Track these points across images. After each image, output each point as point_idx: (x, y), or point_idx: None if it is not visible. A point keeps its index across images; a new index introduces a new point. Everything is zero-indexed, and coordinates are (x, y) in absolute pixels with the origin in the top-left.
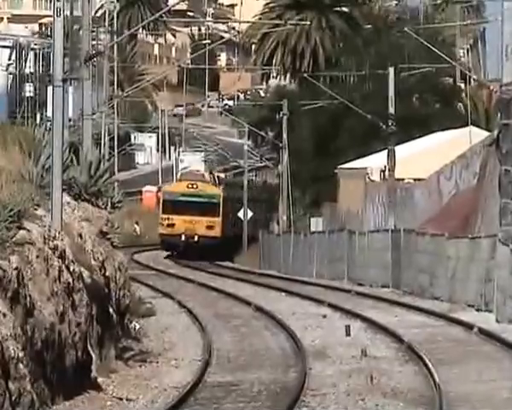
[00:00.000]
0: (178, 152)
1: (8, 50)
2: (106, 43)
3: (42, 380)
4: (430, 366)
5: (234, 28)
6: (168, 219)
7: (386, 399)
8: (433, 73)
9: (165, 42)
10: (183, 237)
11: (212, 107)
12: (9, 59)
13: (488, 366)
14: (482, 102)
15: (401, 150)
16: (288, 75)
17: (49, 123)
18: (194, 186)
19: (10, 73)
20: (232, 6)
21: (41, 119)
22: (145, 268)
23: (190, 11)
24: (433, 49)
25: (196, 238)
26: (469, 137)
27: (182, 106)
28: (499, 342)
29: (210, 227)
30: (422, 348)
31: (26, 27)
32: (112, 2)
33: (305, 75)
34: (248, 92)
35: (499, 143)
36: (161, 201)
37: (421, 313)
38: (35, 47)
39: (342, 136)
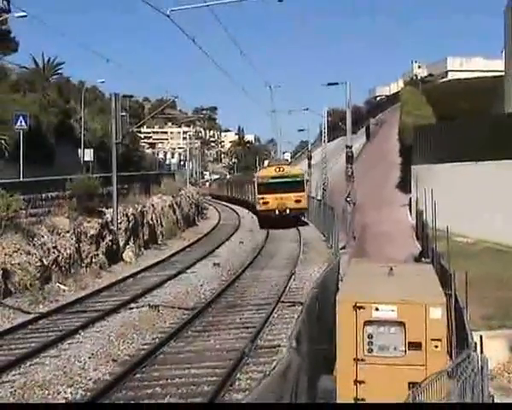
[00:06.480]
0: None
1: (177, 154)
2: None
3: (185, 223)
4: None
5: (223, 148)
6: (263, 198)
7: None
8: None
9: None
10: (277, 212)
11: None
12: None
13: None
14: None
15: None
16: (236, 160)
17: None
18: (281, 169)
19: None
20: (222, 142)
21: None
22: (206, 199)
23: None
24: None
25: (288, 211)
26: None
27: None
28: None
29: (298, 201)
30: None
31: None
32: (195, 142)
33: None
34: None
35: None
36: (256, 184)
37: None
38: (183, 152)
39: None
